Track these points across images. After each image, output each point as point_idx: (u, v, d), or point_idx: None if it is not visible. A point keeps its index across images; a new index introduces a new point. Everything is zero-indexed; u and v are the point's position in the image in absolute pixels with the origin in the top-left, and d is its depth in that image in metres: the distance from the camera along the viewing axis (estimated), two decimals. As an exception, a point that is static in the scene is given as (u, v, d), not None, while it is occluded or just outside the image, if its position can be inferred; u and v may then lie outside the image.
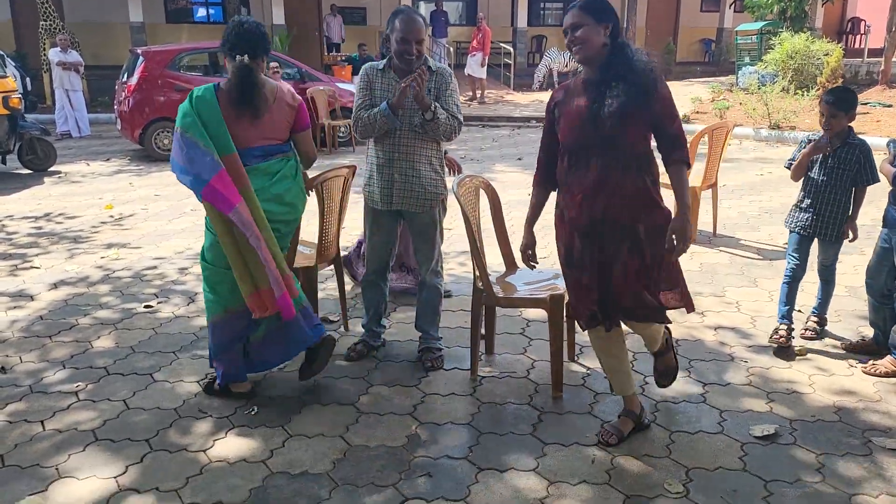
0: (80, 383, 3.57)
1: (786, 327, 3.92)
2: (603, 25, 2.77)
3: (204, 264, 3.35)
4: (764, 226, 6.38)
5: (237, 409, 3.33)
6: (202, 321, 4.37)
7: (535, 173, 3.17)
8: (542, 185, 3.13)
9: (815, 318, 4.12)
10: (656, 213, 2.84)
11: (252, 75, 3.14)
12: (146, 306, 4.62)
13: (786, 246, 5.69)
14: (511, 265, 3.93)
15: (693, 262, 5.39)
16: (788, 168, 3.98)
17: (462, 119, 3.61)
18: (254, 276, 3.17)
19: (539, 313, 4.25)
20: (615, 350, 3.05)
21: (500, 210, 3.88)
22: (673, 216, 2.82)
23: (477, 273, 3.54)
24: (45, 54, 14.14)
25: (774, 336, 3.92)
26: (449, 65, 17.80)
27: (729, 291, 4.81)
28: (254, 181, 3.17)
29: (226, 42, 3.20)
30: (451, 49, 18.52)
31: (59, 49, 12.37)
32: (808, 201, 3.91)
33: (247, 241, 3.10)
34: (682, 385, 3.54)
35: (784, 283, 4.03)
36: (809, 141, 3.92)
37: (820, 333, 4.09)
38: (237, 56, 3.14)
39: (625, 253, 2.82)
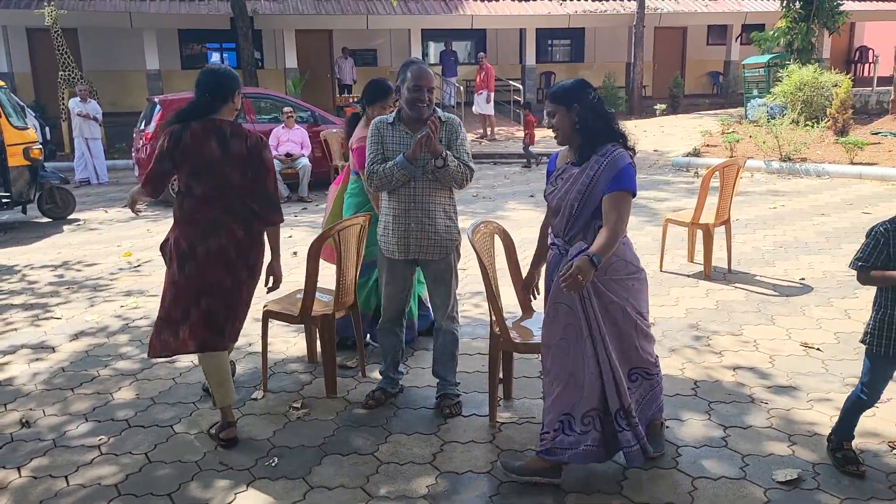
0: (102, 437, 3.61)
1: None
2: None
3: None
4: (779, 261, 6.36)
5: (258, 461, 3.34)
6: (221, 370, 4.41)
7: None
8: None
9: None
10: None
11: None
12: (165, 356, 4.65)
13: (801, 282, 5.73)
14: (527, 309, 3.95)
15: (709, 300, 5.38)
16: (858, 268, 2.94)
17: (474, 167, 3.68)
18: None
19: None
20: (224, 364, 3.48)
21: (514, 254, 3.92)
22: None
23: (493, 318, 3.56)
24: (63, 103, 14.46)
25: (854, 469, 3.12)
26: (459, 103, 18.05)
27: (746, 330, 4.79)
28: None
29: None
30: (461, 88, 18.76)
31: (78, 99, 12.65)
32: None
33: None
34: (702, 428, 3.52)
35: (853, 409, 3.15)
36: (887, 231, 2.88)
37: None
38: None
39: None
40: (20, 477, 3.26)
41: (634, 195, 3.00)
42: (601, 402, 2.98)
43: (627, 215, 2.97)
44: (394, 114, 3.69)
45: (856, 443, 3.34)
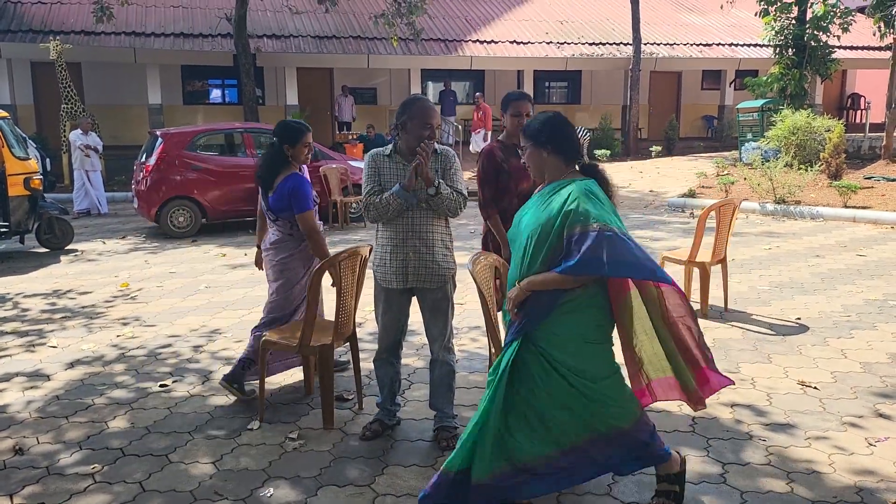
0: (95, 465, 3.57)
1: None
2: None
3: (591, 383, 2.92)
4: (774, 300, 6.39)
5: (253, 492, 3.31)
6: (217, 400, 4.39)
7: None
8: None
9: None
10: None
11: (604, 171, 3.14)
12: (161, 385, 4.63)
13: (798, 321, 5.76)
14: (525, 343, 3.94)
15: (706, 338, 5.36)
16: None
17: (466, 194, 3.74)
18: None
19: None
20: None
21: (513, 288, 3.93)
22: None
23: (492, 350, 3.56)
24: (65, 135, 14.58)
25: None
26: (457, 142, 18.24)
27: (743, 367, 4.80)
28: None
29: (556, 139, 3.10)
30: (460, 127, 18.99)
31: (80, 132, 12.76)
32: None
33: (675, 329, 3.01)
34: (701, 465, 3.51)
35: None
36: None
37: None
38: (581, 155, 3.14)
39: None
40: (12, 504, 3.22)
41: None
42: None
43: None
44: (390, 146, 3.75)
45: (855, 480, 3.33)
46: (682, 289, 6.30)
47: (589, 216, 2.78)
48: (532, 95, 21.80)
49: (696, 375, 3.05)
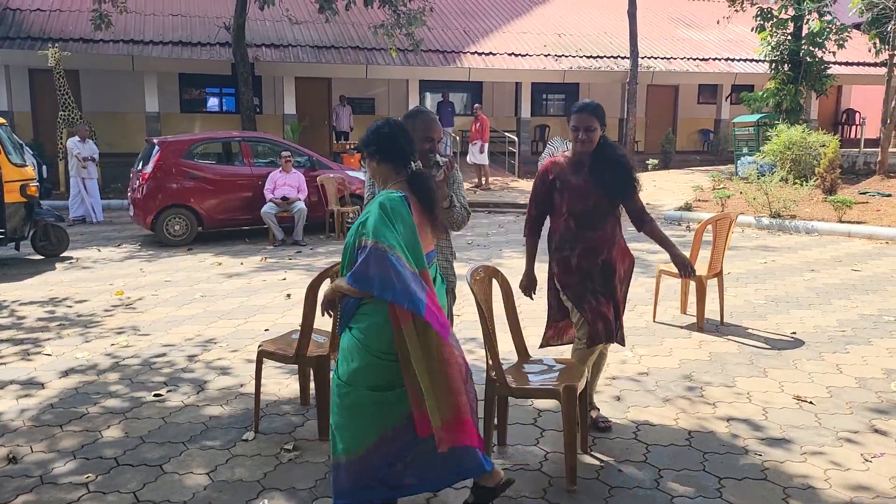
0: (89, 474, 3.55)
1: None
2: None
3: (347, 389, 2.96)
4: (770, 314, 6.41)
5: (248, 503, 3.29)
6: (212, 410, 4.37)
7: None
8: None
9: None
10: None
11: (431, 181, 3.12)
12: (155, 395, 4.61)
13: (794, 335, 5.77)
14: (523, 355, 3.95)
15: (702, 351, 5.40)
16: None
17: (469, 209, 3.75)
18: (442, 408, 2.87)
19: (550, 403, 4.25)
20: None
21: (512, 299, 3.94)
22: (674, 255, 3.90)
23: (490, 362, 3.56)
24: (62, 143, 14.57)
25: None
26: (455, 153, 18.27)
27: (739, 381, 4.80)
28: None
29: (383, 148, 3.04)
30: (458, 138, 19.03)
31: (77, 139, 12.76)
32: None
33: (445, 368, 2.85)
34: (696, 479, 3.50)
35: None
36: None
37: None
38: (410, 163, 3.05)
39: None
40: (4, 514, 3.20)
41: None
42: None
43: None
44: None
45: (851, 496, 3.33)
46: (681, 303, 6.32)
47: (369, 231, 2.80)
48: (530, 107, 21.83)
49: (454, 416, 2.85)
